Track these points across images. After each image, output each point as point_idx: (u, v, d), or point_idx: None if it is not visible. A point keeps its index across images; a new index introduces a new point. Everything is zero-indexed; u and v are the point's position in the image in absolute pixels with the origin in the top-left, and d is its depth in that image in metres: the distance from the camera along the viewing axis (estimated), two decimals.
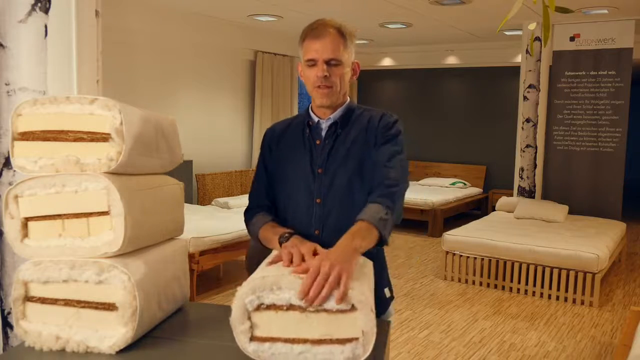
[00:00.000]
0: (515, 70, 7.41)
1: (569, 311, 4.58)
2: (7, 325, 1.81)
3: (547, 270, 4.87)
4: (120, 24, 5.79)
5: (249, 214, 1.76)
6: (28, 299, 1.33)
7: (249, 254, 1.92)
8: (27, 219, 1.32)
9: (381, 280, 1.58)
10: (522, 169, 6.70)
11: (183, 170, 6.30)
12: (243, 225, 1.82)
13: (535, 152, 6.61)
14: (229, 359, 1.28)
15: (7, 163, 1.77)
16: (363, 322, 1.18)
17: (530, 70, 6.54)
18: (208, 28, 6.92)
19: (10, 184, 1.75)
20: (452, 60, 8.88)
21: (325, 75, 1.59)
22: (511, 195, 6.98)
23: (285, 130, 1.76)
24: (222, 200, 6.26)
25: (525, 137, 6.64)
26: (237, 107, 7.73)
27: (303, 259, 1.33)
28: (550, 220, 5.85)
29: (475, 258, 5.19)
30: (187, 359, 1.32)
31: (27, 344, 1.32)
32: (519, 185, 6.74)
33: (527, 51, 6.52)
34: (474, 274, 5.20)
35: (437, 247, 6.54)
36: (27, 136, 1.32)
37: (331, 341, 1.20)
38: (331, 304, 1.19)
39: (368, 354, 1.19)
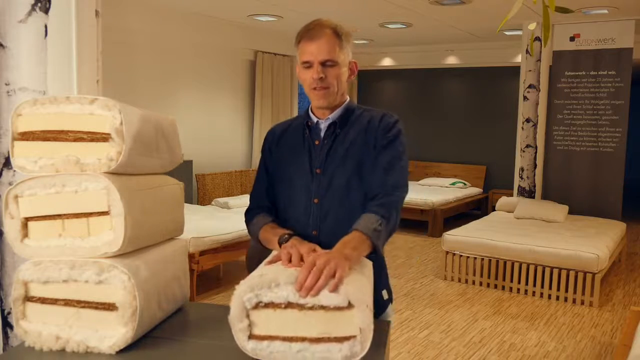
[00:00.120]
0: (515, 70, 7.41)
1: (569, 311, 4.58)
2: (7, 325, 1.81)
3: (547, 270, 4.87)
4: (120, 24, 5.79)
5: (250, 215, 1.77)
6: (28, 299, 1.33)
7: (249, 255, 1.92)
8: (27, 219, 1.32)
9: (379, 281, 1.58)
10: (522, 169, 6.70)
11: (183, 170, 6.30)
12: (243, 225, 1.83)
13: (535, 152, 6.61)
14: (229, 359, 1.29)
15: (7, 163, 1.77)
16: (360, 319, 1.19)
17: (530, 70, 6.54)
18: (208, 28, 6.92)
19: (10, 184, 1.75)
20: (452, 60, 8.88)
21: (320, 77, 1.59)
22: (511, 195, 6.98)
23: (285, 132, 1.76)
24: (222, 200, 6.26)
25: (525, 137, 6.64)
26: (237, 107, 7.73)
27: (302, 259, 1.34)
28: (550, 220, 5.85)
29: (475, 258, 5.19)
30: (187, 359, 1.32)
31: (27, 344, 1.33)
32: (519, 185, 6.74)
33: (527, 51, 6.52)
34: (474, 274, 5.20)
35: (437, 247, 6.54)
36: (27, 136, 1.32)
37: (329, 339, 1.20)
38: (328, 301, 1.19)
39: (365, 351, 1.20)
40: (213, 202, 6.40)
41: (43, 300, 1.32)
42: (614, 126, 6.14)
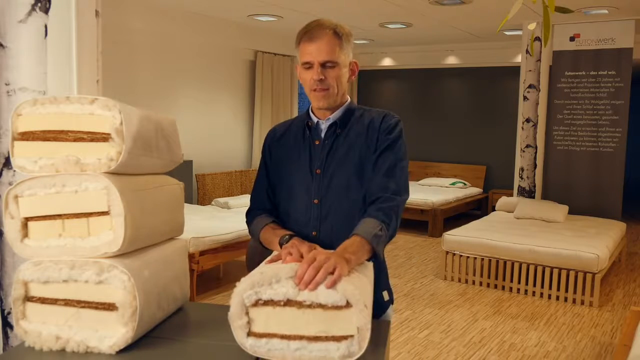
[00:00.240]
0: (515, 70, 7.41)
1: (569, 311, 4.58)
2: (7, 325, 1.81)
3: (547, 270, 4.87)
4: (120, 24, 5.79)
5: (250, 216, 1.76)
6: (28, 299, 1.33)
7: (249, 255, 1.92)
8: (27, 219, 1.32)
9: (379, 282, 1.58)
10: (522, 169, 6.70)
11: (183, 170, 6.30)
12: (243, 225, 1.83)
13: (535, 152, 6.61)
14: (228, 358, 1.29)
15: (7, 163, 1.77)
16: (358, 319, 1.19)
17: (530, 70, 6.54)
18: (208, 28, 6.92)
19: (10, 184, 1.75)
20: (452, 60, 8.88)
21: (320, 78, 1.58)
22: (511, 195, 6.98)
23: (285, 132, 1.76)
24: (222, 200, 6.26)
25: (525, 137, 6.65)
26: (237, 107, 7.73)
27: (302, 257, 1.34)
28: (550, 220, 5.85)
29: (475, 258, 5.19)
30: (187, 359, 1.32)
31: (27, 344, 1.33)
32: (519, 185, 6.74)
33: (527, 51, 6.52)
34: (474, 274, 5.21)
35: (437, 247, 6.54)
36: (27, 136, 1.32)
37: (327, 338, 1.21)
38: (326, 299, 1.20)
39: (363, 351, 1.20)
40: (213, 202, 6.40)
41: (43, 300, 1.32)
42: (614, 126, 6.14)
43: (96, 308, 1.29)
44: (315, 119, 1.69)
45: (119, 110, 1.28)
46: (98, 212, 1.29)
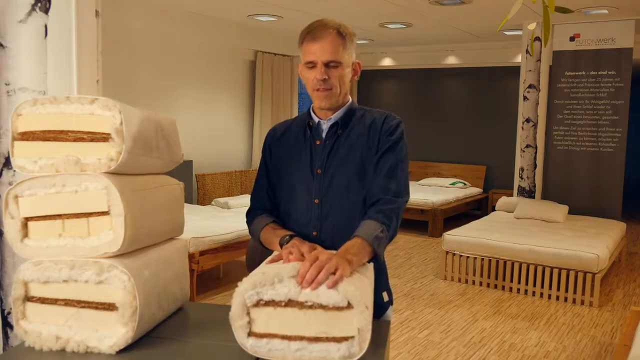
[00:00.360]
0: (515, 70, 7.40)
1: (569, 311, 4.58)
2: (7, 325, 1.81)
3: (547, 270, 4.87)
4: (120, 24, 5.79)
5: (251, 216, 1.76)
6: (28, 299, 1.33)
7: (249, 255, 1.92)
8: (27, 219, 1.32)
9: (379, 283, 1.58)
10: (522, 169, 6.70)
11: (183, 170, 6.30)
12: (243, 225, 1.83)
13: (535, 152, 6.61)
14: (229, 359, 1.29)
15: (7, 163, 1.77)
16: (359, 320, 1.19)
17: (530, 70, 6.54)
18: (208, 28, 6.92)
19: (10, 184, 1.75)
20: (452, 60, 8.88)
21: (324, 78, 1.58)
22: (511, 195, 6.97)
23: (286, 131, 1.76)
24: (222, 200, 6.26)
25: (525, 137, 6.64)
26: (237, 107, 7.73)
27: (303, 257, 1.34)
28: (550, 220, 5.85)
29: (475, 258, 5.19)
30: (187, 359, 1.32)
31: (27, 344, 1.33)
32: (519, 185, 6.74)
33: (527, 51, 6.52)
34: (474, 274, 5.21)
35: (437, 247, 6.54)
36: (27, 136, 1.32)
37: (327, 339, 1.21)
38: (328, 299, 1.20)
39: (364, 352, 1.20)
40: (213, 202, 6.40)
41: (43, 300, 1.32)
42: (614, 126, 6.14)
43: (96, 308, 1.29)
44: (316, 119, 1.69)
45: (119, 110, 1.28)
46: (98, 212, 1.29)
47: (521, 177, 6.71)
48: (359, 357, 1.20)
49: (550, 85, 6.51)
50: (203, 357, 1.32)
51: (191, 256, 4.42)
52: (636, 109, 8.56)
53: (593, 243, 4.89)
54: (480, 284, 5.18)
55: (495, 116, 8.61)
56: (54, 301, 1.31)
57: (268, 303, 1.22)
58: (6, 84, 1.77)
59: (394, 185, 1.58)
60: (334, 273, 1.23)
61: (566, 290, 4.79)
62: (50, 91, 1.78)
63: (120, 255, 1.31)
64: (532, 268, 4.93)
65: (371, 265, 1.49)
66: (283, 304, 1.22)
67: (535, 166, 6.63)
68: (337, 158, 1.64)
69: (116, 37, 5.70)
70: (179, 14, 6.49)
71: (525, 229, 5.43)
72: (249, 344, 1.23)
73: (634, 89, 6.72)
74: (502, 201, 6.57)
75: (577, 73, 6.33)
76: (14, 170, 1.75)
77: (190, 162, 6.63)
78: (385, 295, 1.72)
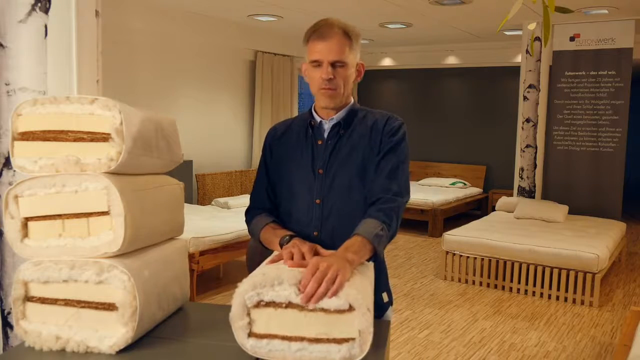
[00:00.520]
0: (515, 70, 7.40)
1: (569, 311, 4.58)
2: (7, 325, 1.81)
3: (547, 270, 4.87)
4: (120, 24, 5.79)
5: (250, 215, 1.76)
6: (28, 299, 1.33)
7: (249, 255, 1.92)
8: (27, 219, 1.32)
9: (379, 284, 1.58)
10: (522, 169, 6.70)
11: (183, 170, 6.30)
12: (243, 225, 1.82)
13: (535, 152, 6.61)
14: (228, 359, 1.29)
15: (7, 163, 1.77)
16: (360, 322, 1.19)
17: (530, 70, 6.54)
18: (208, 28, 6.92)
19: (10, 184, 1.75)
20: (452, 60, 8.88)
21: (330, 77, 1.58)
22: (511, 195, 6.97)
23: (286, 130, 1.75)
24: (222, 200, 6.26)
25: (525, 137, 6.64)
26: (237, 107, 7.73)
27: (303, 258, 1.34)
28: (550, 220, 5.85)
29: (475, 258, 5.19)
30: (187, 359, 1.32)
31: (27, 344, 1.32)
32: (519, 185, 6.74)
33: (527, 51, 6.52)
34: (474, 274, 5.21)
35: (437, 247, 6.54)
36: (27, 136, 1.32)
37: (328, 340, 1.21)
38: (329, 304, 1.20)
39: (364, 354, 1.20)
40: (213, 202, 6.40)
41: (43, 300, 1.32)
42: (614, 126, 6.14)
43: (96, 308, 1.29)
44: (318, 119, 1.69)
45: (119, 110, 1.28)
46: (98, 212, 1.29)
47: (521, 177, 6.71)
48: (359, 358, 1.20)
49: (550, 85, 6.51)
50: (203, 357, 1.32)
51: (191, 256, 4.42)
52: (636, 109, 8.56)
53: (593, 243, 4.89)
54: (480, 284, 5.18)
55: (495, 116, 8.61)
56: (54, 301, 1.31)
57: (269, 304, 1.22)
58: (6, 84, 1.77)
59: (394, 186, 1.58)
60: (334, 281, 1.22)
61: (566, 290, 4.79)
62: (50, 91, 1.78)
63: (120, 255, 1.31)
64: (532, 268, 4.93)
65: (371, 264, 1.49)
66: (284, 305, 1.21)
67: (535, 166, 6.63)
68: (339, 158, 1.64)
69: (116, 37, 5.70)
70: (179, 14, 6.49)
71: (525, 229, 5.43)
72: (249, 345, 1.23)
73: (634, 89, 6.72)
74: (502, 201, 6.57)
75: (577, 73, 6.33)
76: (14, 170, 1.75)
77: (190, 162, 6.63)
78: (385, 296, 1.72)
